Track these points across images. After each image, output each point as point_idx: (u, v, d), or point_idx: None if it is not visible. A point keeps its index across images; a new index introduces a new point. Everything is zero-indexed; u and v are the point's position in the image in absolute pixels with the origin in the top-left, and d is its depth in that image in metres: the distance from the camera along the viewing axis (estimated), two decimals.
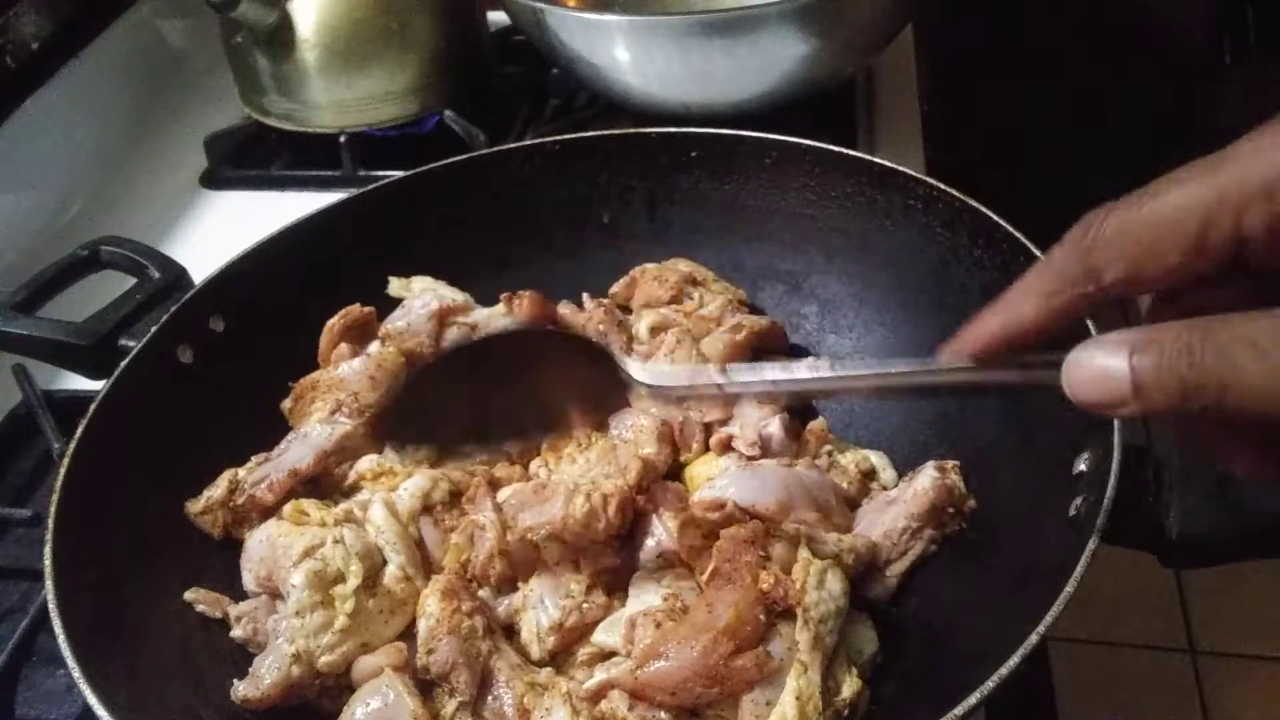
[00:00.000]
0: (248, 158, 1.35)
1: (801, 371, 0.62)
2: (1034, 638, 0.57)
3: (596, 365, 0.69)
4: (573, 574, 0.72)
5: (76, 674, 0.62)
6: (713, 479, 0.78)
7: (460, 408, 0.70)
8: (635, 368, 0.68)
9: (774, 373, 0.63)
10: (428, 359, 0.75)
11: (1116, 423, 0.66)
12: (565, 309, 0.95)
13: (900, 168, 0.89)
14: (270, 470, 0.79)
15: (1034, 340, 0.52)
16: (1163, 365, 0.43)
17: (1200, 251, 0.45)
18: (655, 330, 0.89)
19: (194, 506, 0.79)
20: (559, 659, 0.71)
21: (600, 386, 0.69)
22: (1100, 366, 0.45)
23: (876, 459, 0.83)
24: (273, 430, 0.85)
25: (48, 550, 0.68)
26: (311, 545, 0.72)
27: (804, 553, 0.68)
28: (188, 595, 0.75)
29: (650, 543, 0.76)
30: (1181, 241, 0.45)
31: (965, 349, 0.56)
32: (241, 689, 0.69)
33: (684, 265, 0.95)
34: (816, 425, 0.85)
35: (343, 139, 1.26)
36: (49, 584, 0.66)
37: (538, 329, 0.73)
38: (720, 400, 0.84)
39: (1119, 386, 0.45)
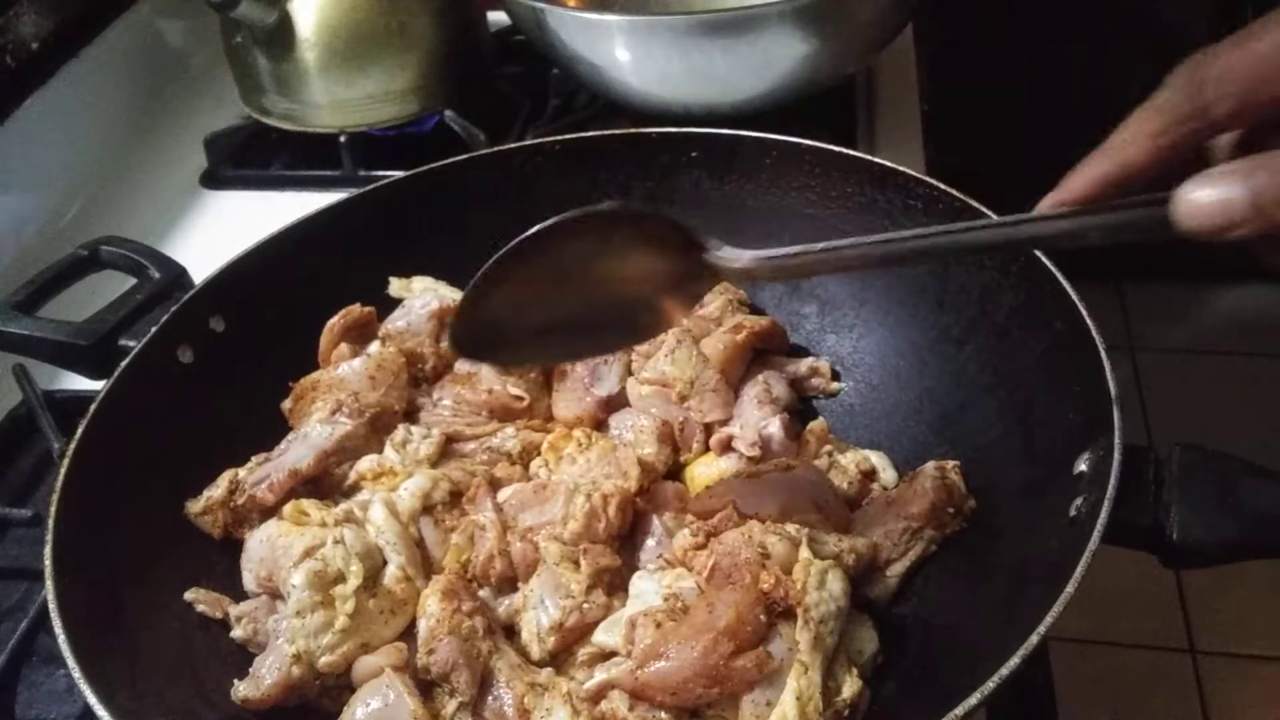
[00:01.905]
0: (248, 158, 1.35)
1: (901, 234, 0.61)
2: (1035, 638, 0.57)
3: (674, 245, 0.64)
4: (573, 574, 0.72)
5: (76, 674, 0.62)
6: (712, 483, 0.78)
7: (533, 311, 0.65)
8: (715, 245, 0.63)
9: (875, 238, 0.61)
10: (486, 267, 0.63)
11: (1117, 423, 0.66)
12: None
13: (900, 168, 0.89)
14: (270, 470, 0.79)
15: (1138, 183, 0.55)
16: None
17: None
18: None
19: (194, 506, 0.79)
20: (559, 659, 0.71)
21: (682, 269, 0.65)
22: (1216, 194, 0.49)
23: (876, 459, 0.83)
24: (273, 430, 0.85)
25: (48, 550, 0.68)
26: (312, 545, 0.72)
27: (804, 553, 0.68)
28: (188, 595, 0.75)
29: (650, 543, 0.76)
30: None
31: (1070, 196, 0.57)
32: (242, 689, 0.69)
33: None
34: (817, 425, 0.85)
35: (343, 139, 1.26)
36: (49, 584, 0.66)
37: (603, 210, 0.63)
38: (721, 400, 0.84)
39: (1237, 209, 0.49)
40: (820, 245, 0.62)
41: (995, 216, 0.60)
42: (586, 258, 0.64)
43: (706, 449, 0.84)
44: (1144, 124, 0.54)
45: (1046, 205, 0.58)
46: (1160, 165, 0.54)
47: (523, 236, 0.63)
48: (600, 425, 0.86)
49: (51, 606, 0.65)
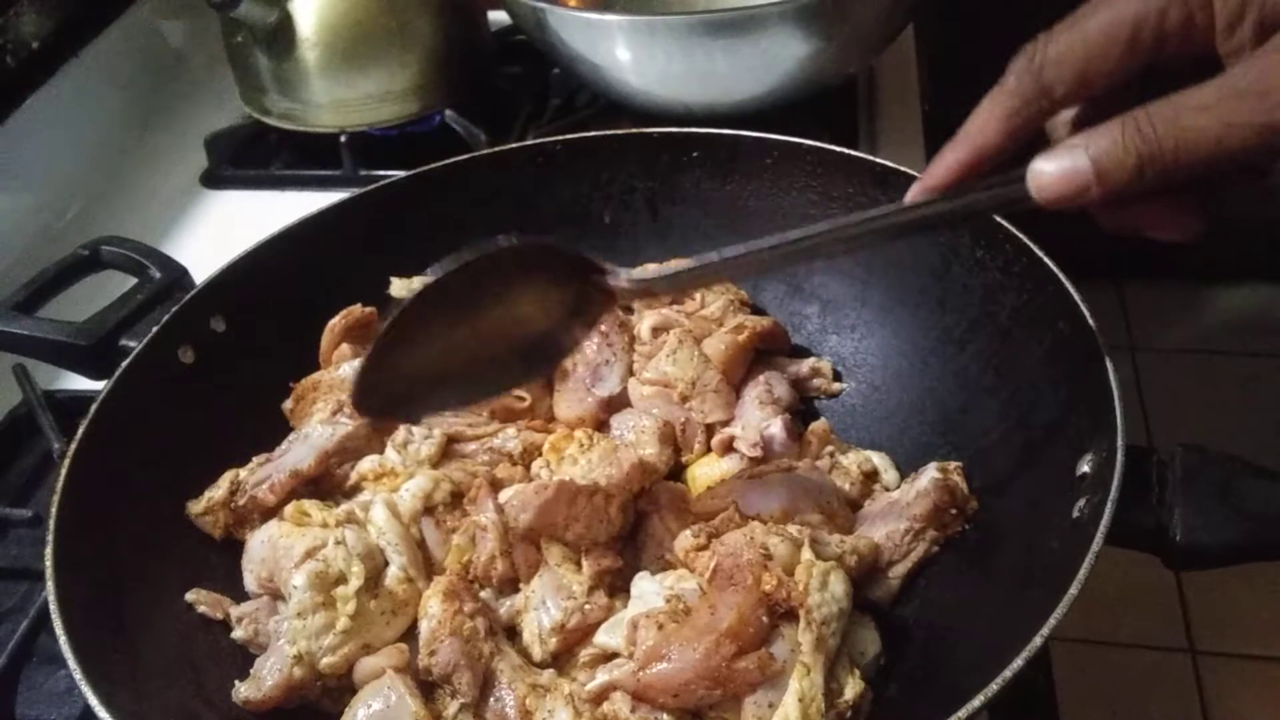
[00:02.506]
0: (248, 158, 1.35)
1: (787, 234, 0.63)
2: (1038, 640, 0.57)
3: (566, 274, 0.65)
4: (574, 575, 0.72)
5: (77, 674, 0.62)
6: (714, 486, 0.78)
7: (436, 363, 0.65)
8: (616, 269, 0.64)
9: (758, 243, 0.63)
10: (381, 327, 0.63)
11: (1119, 425, 0.66)
12: None
13: (901, 168, 0.89)
14: (271, 471, 0.79)
15: (995, 164, 0.59)
16: (1119, 145, 0.53)
17: (1133, 54, 0.55)
18: (657, 330, 0.89)
19: (195, 507, 0.79)
20: (561, 660, 0.71)
21: (581, 298, 0.66)
22: (1062, 165, 0.55)
23: (879, 460, 0.83)
24: (274, 431, 0.85)
25: (48, 550, 0.68)
26: (313, 546, 0.72)
27: (807, 554, 0.68)
28: (189, 596, 0.75)
29: (652, 544, 0.76)
30: (1117, 48, 0.55)
31: (935, 183, 0.61)
32: (243, 690, 0.69)
33: None
34: (819, 426, 0.85)
35: (343, 139, 1.26)
36: (49, 584, 0.66)
37: (491, 250, 0.62)
38: (723, 400, 0.84)
39: (1083, 176, 0.54)
40: (699, 260, 0.65)
41: (878, 209, 0.63)
42: (481, 300, 0.64)
43: (708, 450, 0.84)
44: (993, 109, 0.59)
45: (914, 194, 0.62)
46: (1011, 147, 0.59)
47: (413, 292, 0.62)
48: (602, 426, 0.86)
49: (51, 606, 0.65)
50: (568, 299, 0.66)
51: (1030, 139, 0.59)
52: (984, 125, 0.59)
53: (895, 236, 0.68)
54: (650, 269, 0.67)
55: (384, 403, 0.67)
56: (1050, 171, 0.55)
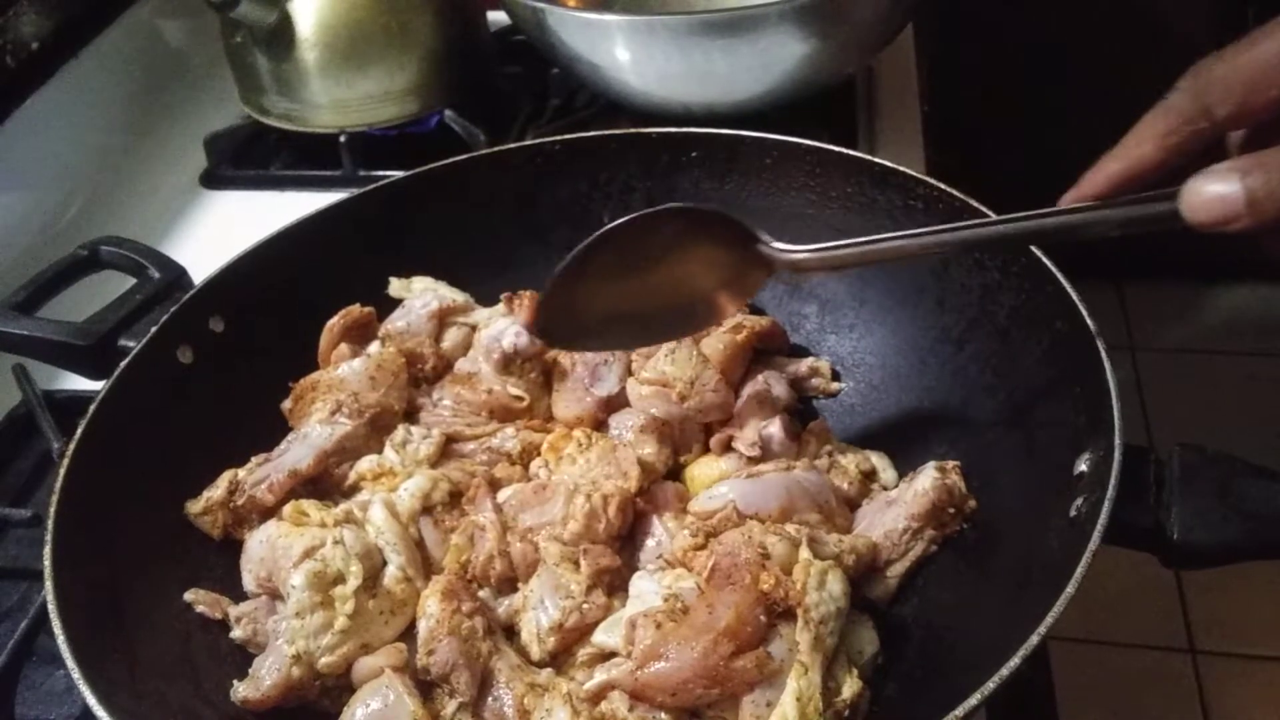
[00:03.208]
0: (248, 158, 1.35)
1: (944, 227, 0.69)
2: (1035, 638, 0.57)
3: (734, 240, 0.72)
4: (573, 574, 0.72)
5: (76, 674, 0.62)
6: (712, 486, 0.78)
7: (605, 302, 0.74)
8: (769, 239, 0.71)
9: (915, 232, 0.69)
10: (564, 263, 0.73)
11: (1117, 424, 0.66)
12: None
13: (901, 168, 0.89)
14: (270, 471, 0.79)
15: (1150, 180, 0.60)
16: (1272, 180, 0.53)
17: None
18: None
19: (194, 507, 0.79)
20: (559, 660, 0.71)
21: (741, 262, 0.73)
22: (1216, 190, 0.54)
23: (877, 459, 0.83)
24: (273, 431, 0.85)
25: (48, 550, 0.68)
26: (311, 546, 0.72)
27: (804, 553, 0.68)
28: (187, 596, 0.75)
29: (650, 543, 0.76)
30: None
31: (1090, 191, 0.62)
32: (242, 690, 0.69)
33: None
34: (817, 426, 0.85)
35: (343, 139, 1.26)
36: (49, 584, 0.66)
37: (670, 209, 0.72)
38: (720, 400, 0.84)
39: (1234, 204, 0.54)
40: (865, 238, 0.70)
41: (1019, 212, 0.66)
42: (654, 252, 0.72)
43: (706, 449, 0.84)
44: (1153, 125, 0.59)
45: (1067, 201, 0.62)
46: (1169, 163, 0.59)
47: (599, 233, 0.72)
48: (600, 425, 0.86)
49: (51, 606, 0.65)
50: (726, 267, 0.74)
51: (1190, 157, 0.59)
52: (1143, 140, 0.59)
53: (1047, 240, 0.71)
54: (800, 248, 0.72)
55: (562, 332, 0.78)
56: (1203, 194, 0.55)
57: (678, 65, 1.08)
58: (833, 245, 0.71)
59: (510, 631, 0.73)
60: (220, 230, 1.26)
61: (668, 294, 0.75)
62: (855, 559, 0.71)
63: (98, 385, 0.80)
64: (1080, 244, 0.64)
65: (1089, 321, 0.72)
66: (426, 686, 0.69)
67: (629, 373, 0.87)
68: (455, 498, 0.78)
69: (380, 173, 1.21)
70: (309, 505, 0.76)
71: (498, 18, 1.32)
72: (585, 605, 0.71)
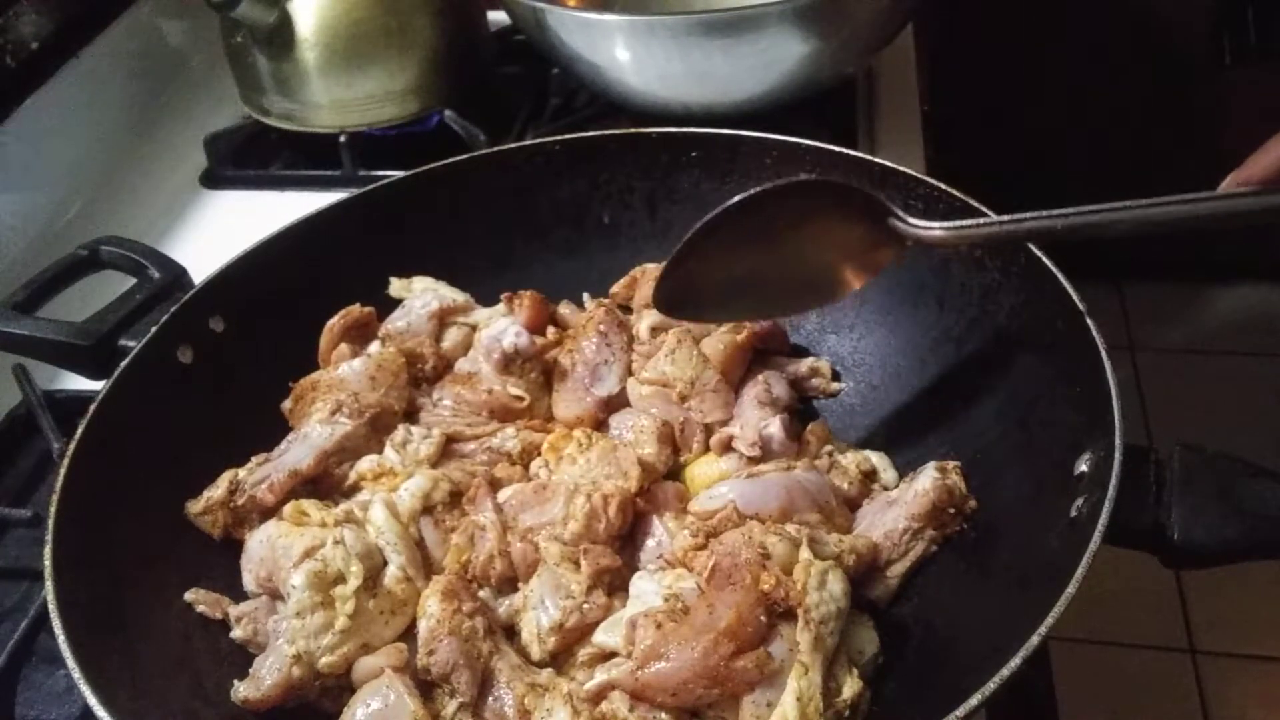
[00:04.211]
0: (248, 158, 1.35)
1: (1086, 208, 0.65)
2: (1035, 639, 0.57)
3: (865, 215, 0.71)
4: (573, 574, 0.72)
5: (76, 674, 0.62)
6: (712, 486, 0.78)
7: (730, 272, 0.72)
8: (904, 215, 0.69)
9: (1054, 213, 0.66)
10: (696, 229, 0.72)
11: (1118, 424, 0.66)
12: (566, 309, 0.95)
13: (901, 167, 0.89)
14: (270, 471, 0.79)
15: None
16: None
17: None
18: (656, 330, 0.89)
19: (194, 507, 0.79)
20: (559, 660, 0.71)
21: (870, 237, 0.72)
22: None
23: (877, 459, 0.83)
24: (273, 430, 0.85)
25: (48, 550, 0.68)
26: (312, 546, 0.72)
27: (805, 554, 0.68)
28: (188, 596, 0.75)
29: (650, 543, 0.76)
30: None
31: (1254, 177, 0.60)
32: (242, 690, 0.69)
33: None
34: (817, 426, 0.85)
35: (343, 139, 1.26)
36: (49, 584, 0.66)
37: (801, 181, 0.72)
38: (721, 400, 0.84)
39: None
40: (1006, 217, 0.69)
41: (1184, 195, 0.63)
42: (783, 224, 0.71)
43: (706, 449, 0.84)
44: None
45: (1230, 183, 0.61)
46: None
47: (725, 205, 0.71)
48: (600, 425, 0.86)
49: (51, 606, 0.65)
50: (855, 242, 0.73)
51: None
52: None
53: (1197, 225, 0.66)
54: (938, 224, 0.71)
55: (678, 302, 0.76)
56: None
57: (678, 65, 1.08)
58: (971, 223, 0.70)
59: (511, 631, 0.73)
60: (220, 230, 1.26)
61: (792, 266, 0.74)
62: (855, 559, 0.71)
63: (98, 385, 0.81)
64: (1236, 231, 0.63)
65: (1089, 322, 0.72)
66: (427, 686, 0.69)
67: (629, 373, 0.88)
68: (455, 498, 0.78)
69: (380, 173, 1.21)
70: (309, 505, 0.76)
71: (498, 18, 1.32)
72: (586, 605, 0.71)
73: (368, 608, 0.71)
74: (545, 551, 0.73)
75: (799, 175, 0.72)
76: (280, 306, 0.90)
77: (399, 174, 0.98)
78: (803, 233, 0.72)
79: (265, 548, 0.75)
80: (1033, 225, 0.68)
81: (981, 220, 0.70)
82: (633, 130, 1.01)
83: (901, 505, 0.76)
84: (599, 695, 0.66)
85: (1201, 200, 0.61)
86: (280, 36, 1.23)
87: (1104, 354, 0.70)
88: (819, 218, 0.72)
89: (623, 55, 1.10)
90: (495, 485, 0.79)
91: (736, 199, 0.71)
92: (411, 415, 0.87)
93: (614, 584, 0.73)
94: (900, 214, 0.71)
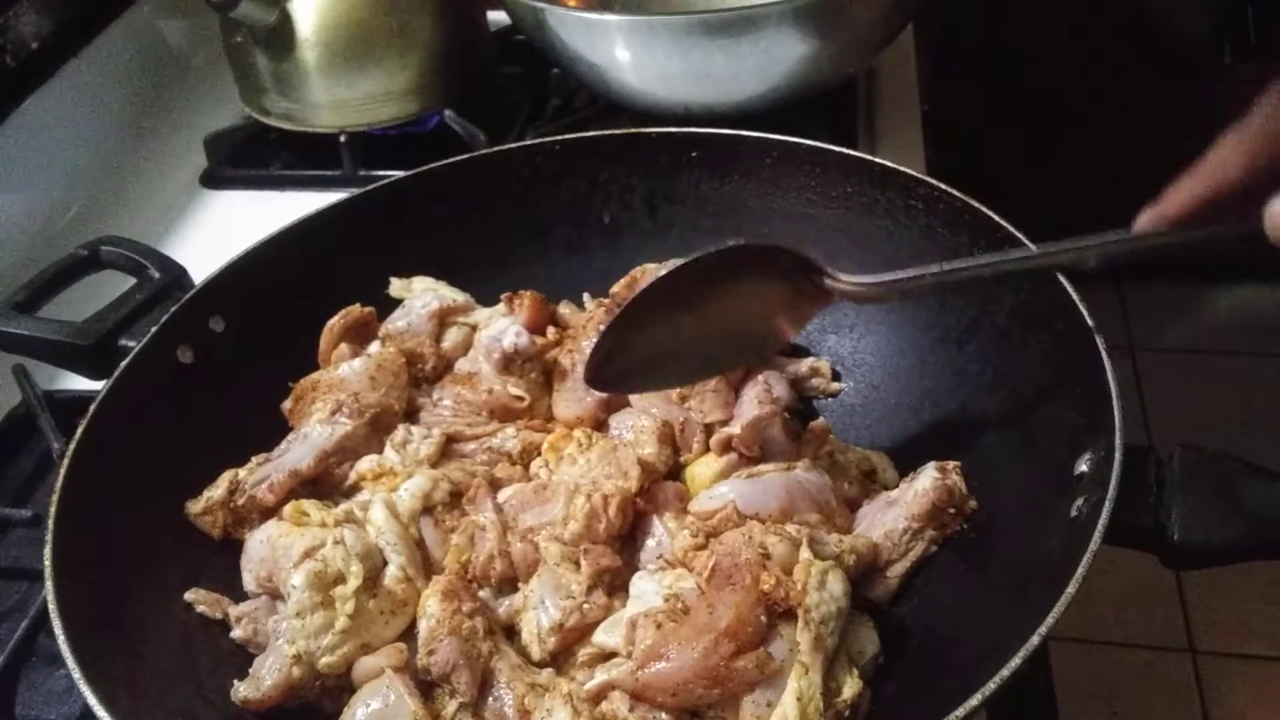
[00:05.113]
0: (248, 158, 1.35)
1: (1011, 252, 0.70)
2: (1036, 639, 0.57)
3: (793, 272, 0.72)
4: (573, 574, 0.72)
5: (76, 674, 0.62)
6: (712, 486, 0.78)
7: (660, 344, 0.73)
8: (833, 271, 0.71)
9: (984, 258, 0.70)
10: (615, 306, 0.75)
11: (1118, 424, 0.66)
12: (566, 309, 0.95)
13: (901, 168, 0.89)
14: (270, 471, 0.79)
15: (1231, 203, 0.59)
16: None
17: None
18: None
19: (194, 507, 0.79)
20: (560, 660, 0.71)
21: (799, 293, 0.73)
22: None
23: (877, 459, 0.83)
24: (273, 430, 0.85)
25: (48, 550, 0.68)
26: (312, 546, 0.72)
27: (805, 554, 0.68)
28: (188, 596, 0.75)
29: (650, 543, 0.76)
30: None
31: (1170, 213, 0.61)
32: (242, 690, 0.69)
33: None
34: (817, 426, 0.84)
35: (343, 139, 1.26)
36: (49, 584, 0.66)
37: (726, 249, 0.71)
38: (721, 400, 0.84)
39: None
40: (929, 269, 0.70)
41: (1097, 235, 0.66)
42: (710, 292, 0.72)
43: (707, 449, 0.84)
44: (1236, 145, 0.58)
45: (1146, 221, 0.62)
46: (1252, 184, 0.57)
47: (650, 282, 0.72)
48: (600, 425, 0.86)
49: (51, 606, 0.65)
50: (784, 296, 0.74)
51: (1273, 181, 0.58)
52: (1225, 161, 0.59)
53: (1121, 263, 0.68)
54: (866, 279, 0.73)
55: (612, 377, 0.76)
56: None
57: (678, 65, 1.08)
58: (894, 277, 0.71)
59: (511, 631, 0.73)
60: (220, 230, 1.26)
61: (721, 329, 0.75)
62: (856, 559, 0.71)
63: (98, 385, 0.80)
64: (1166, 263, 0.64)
65: (1089, 322, 0.72)
66: (427, 686, 0.69)
67: None
68: (456, 498, 0.78)
69: (380, 173, 1.21)
70: (309, 505, 0.76)
71: (498, 18, 1.32)
72: (586, 605, 0.71)
73: (368, 608, 0.71)
74: (545, 551, 0.73)
75: (727, 241, 0.71)
76: (280, 306, 0.90)
77: (399, 174, 0.98)
78: (732, 295, 0.73)
79: (265, 548, 0.75)
80: (962, 274, 0.71)
81: (911, 272, 0.71)
82: (633, 130, 1.01)
83: (902, 505, 0.76)
84: (599, 695, 0.66)
85: (1128, 240, 0.63)
86: (280, 36, 1.23)
87: (1104, 354, 0.70)
88: (748, 279, 0.73)
89: (623, 55, 1.10)
90: (495, 485, 0.79)
91: (664, 272, 0.72)
92: (411, 415, 0.87)
93: (614, 584, 0.73)
94: (827, 270, 0.72)
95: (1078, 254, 0.66)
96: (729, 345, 0.77)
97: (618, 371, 0.75)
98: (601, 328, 0.74)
